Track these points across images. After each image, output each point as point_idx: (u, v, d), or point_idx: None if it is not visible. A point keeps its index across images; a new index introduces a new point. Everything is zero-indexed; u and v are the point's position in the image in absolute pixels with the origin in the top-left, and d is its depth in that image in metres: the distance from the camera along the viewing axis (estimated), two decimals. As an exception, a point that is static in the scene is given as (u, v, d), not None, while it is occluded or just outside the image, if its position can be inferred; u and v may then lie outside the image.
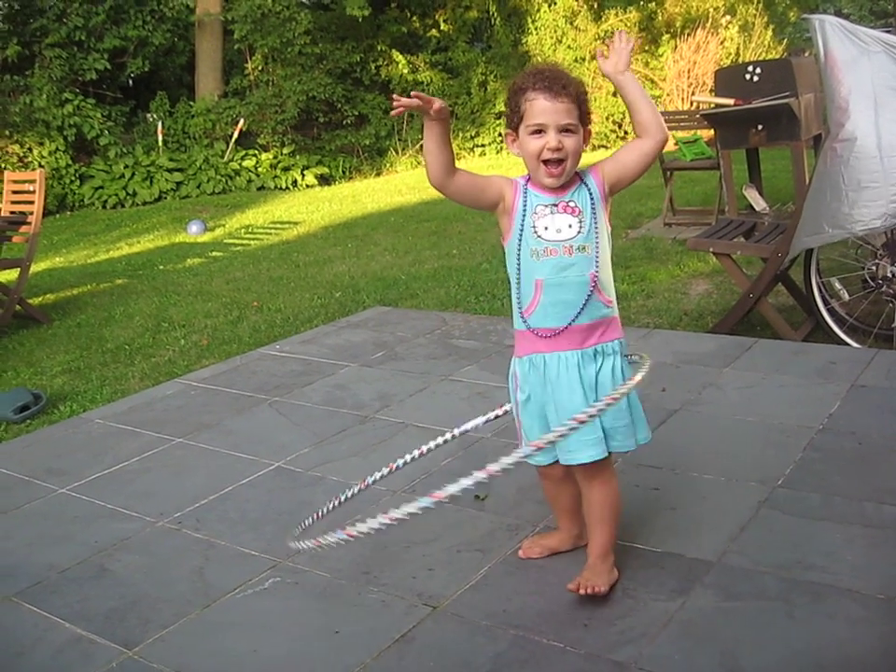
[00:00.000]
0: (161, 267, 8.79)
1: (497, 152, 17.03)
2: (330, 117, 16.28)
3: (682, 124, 9.45)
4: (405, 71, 16.70)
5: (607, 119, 16.66)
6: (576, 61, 16.66)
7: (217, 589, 2.77)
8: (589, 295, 2.49)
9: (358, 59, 16.54)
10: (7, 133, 13.67)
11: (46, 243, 10.61)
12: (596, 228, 2.52)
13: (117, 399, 4.79)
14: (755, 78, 7.17)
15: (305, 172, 14.86)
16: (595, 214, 2.52)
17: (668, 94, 16.37)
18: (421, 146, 17.08)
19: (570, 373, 2.50)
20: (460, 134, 17.04)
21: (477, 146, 17.13)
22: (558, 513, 2.83)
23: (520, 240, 2.53)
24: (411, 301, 6.42)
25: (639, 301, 5.94)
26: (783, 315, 5.12)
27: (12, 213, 7.14)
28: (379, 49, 16.76)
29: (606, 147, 16.41)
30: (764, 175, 8.21)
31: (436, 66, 17.15)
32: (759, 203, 7.62)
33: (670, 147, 10.92)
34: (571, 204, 2.51)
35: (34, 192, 6.87)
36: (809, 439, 3.49)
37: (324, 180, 15.14)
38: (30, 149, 13.70)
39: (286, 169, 14.81)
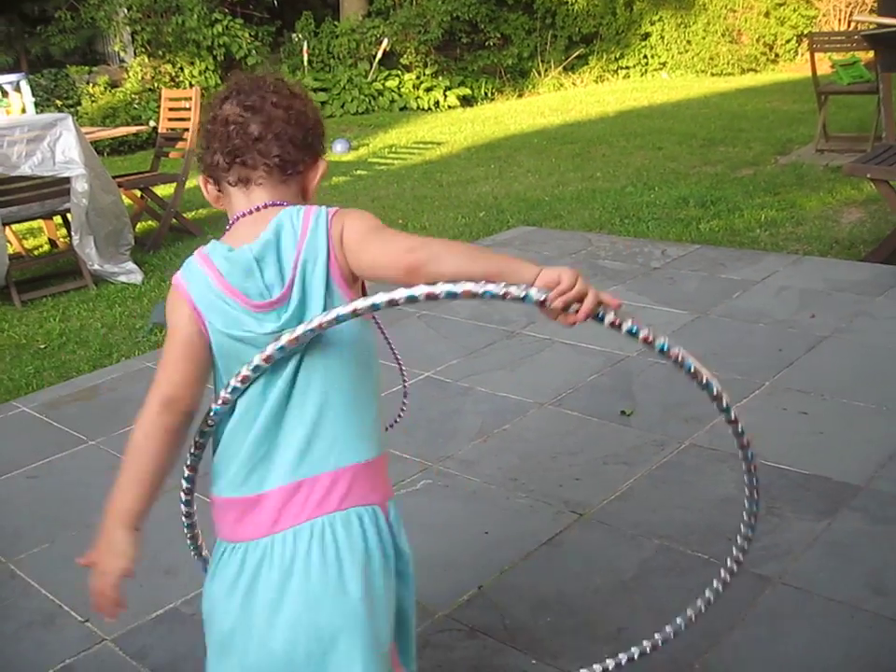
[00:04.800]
0: (308, 185, 8.98)
1: (642, 74, 16.63)
2: (473, 37, 16.14)
3: (839, 46, 9.07)
4: (550, -10, 16.39)
5: (757, 41, 16.05)
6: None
7: (372, 488, 2.91)
8: None
9: (503, -22, 16.33)
10: (160, 53, 14.05)
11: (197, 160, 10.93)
12: None
13: (270, 310, 4.98)
14: (924, -4, 6.82)
15: (448, 92, 14.84)
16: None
17: (824, 15, 15.65)
18: (564, 67, 16.72)
19: None
20: (604, 56, 16.69)
21: (621, 67, 16.75)
22: None
23: None
24: (555, 222, 6.42)
25: (788, 227, 5.81)
26: (942, 246, 4.95)
27: (170, 129, 7.40)
28: (524, -33, 16.48)
29: (755, 71, 15.87)
30: (927, 99, 7.84)
31: (582, -15, 16.79)
32: (920, 130, 7.30)
33: (825, 69, 10.51)
34: None
35: (189, 109, 7.08)
36: (966, 370, 3.41)
37: (466, 101, 15.09)
38: (181, 69, 14.06)
39: (428, 89, 14.81)
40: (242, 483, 1.51)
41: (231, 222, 1.57)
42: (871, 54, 7.87)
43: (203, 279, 1.49)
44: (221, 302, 1.47)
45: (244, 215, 1.54)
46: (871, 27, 7.29)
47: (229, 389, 1.46)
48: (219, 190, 1.59)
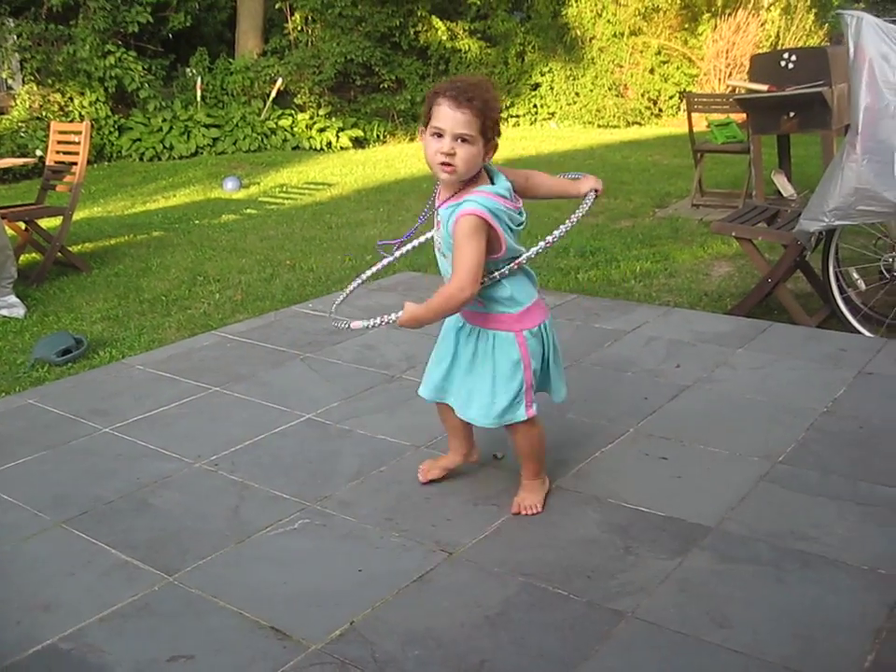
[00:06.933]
0: (197, 222, 9.00)
1: (531, 123, 17.10)
2: (368, 80, 16.36)
3: (715, 107, 9.55)
4: (444, 38, 16.72)
5: (642, 95, 16.69)
6: (615, 35, 16.66)
7: (251, 526, 3.00)
8: None
9: (398, 23, 16.57)
10: (49, 81, 13.87)
11: (84, 192, 10.79)
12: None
13: (154, 348, 5.01)
14: (790, 66, 7.26)
15: (340, 134, 15.00)
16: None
17: (705, 74, 16.37)
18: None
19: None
20: (495, 104, 17.07)
21: (511, 115, 17.19)
22: (448, 432, 3.22)
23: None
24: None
25: (661, 279, 6.10)
26: (800, 301, 5.27)
27: (58, 163, 7.36)
28: (419, 14, 16.77)
29: (640, 125, 16.47)
30: (794, 160, 8.31)
31: (474, 34, 17.16)
32: (787, 189, 7.73)
33: (702, 127, 11.03)
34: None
35: (79, 143, 7.07)
36: (813, 420, 3.66)
37: (358, 143, 15.27)
38: (71, 99, 13.89)
39: (321, 130, 14.94)
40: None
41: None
42: (744, 116, 8.32)
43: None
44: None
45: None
46: (743, 91, 7.72)
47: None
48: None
